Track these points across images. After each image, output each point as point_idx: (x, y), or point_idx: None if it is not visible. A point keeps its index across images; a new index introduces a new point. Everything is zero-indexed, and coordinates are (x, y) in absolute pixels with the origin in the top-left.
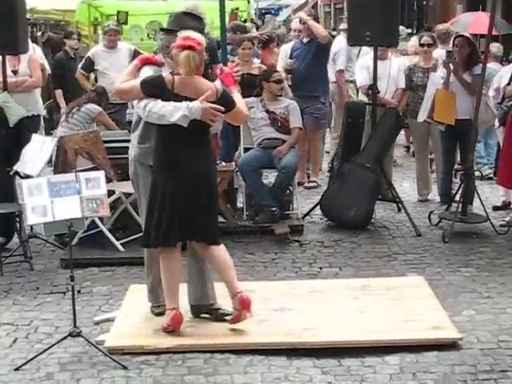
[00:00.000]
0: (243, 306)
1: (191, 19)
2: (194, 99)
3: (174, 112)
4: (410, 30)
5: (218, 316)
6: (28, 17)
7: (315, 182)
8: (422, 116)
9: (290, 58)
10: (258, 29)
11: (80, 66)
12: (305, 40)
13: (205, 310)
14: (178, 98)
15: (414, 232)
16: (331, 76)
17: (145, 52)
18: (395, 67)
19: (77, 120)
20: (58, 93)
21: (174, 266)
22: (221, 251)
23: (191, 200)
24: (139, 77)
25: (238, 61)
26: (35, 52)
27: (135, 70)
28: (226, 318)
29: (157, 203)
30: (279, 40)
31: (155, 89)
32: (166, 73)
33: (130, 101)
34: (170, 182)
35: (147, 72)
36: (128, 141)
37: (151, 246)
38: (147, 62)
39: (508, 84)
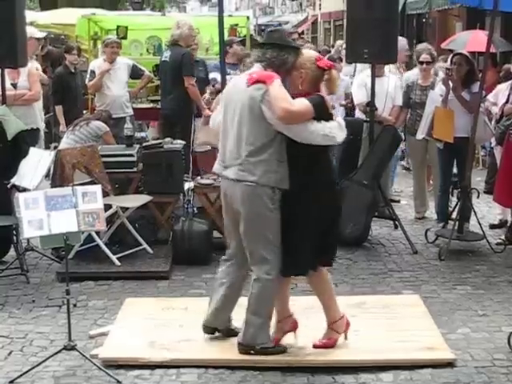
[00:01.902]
0: (347, 327)
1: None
2: None
3: (340, 132)
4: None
5: (230, 333)
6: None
7: None
8: (420, 133)
9: None
10: None
11: (87, 80)
12: None
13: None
14: (330, 117)
15: (411, 249)
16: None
17: (143, 67)
18: (392, 84)
19: (83, 134)
20: (58, 109)
21: (327, 279)
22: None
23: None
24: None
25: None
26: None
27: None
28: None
29: (317, 227)
30: None
31: (323, 111)
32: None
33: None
34: (332, 203)
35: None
36: (126, 155)
37: (312, 269)
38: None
39: (506, 102)
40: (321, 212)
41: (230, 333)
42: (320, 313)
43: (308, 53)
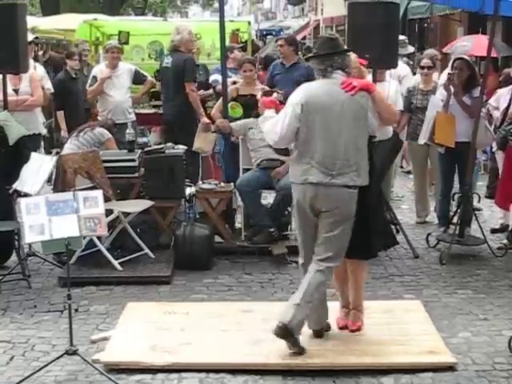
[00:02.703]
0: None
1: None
2: None
3: None
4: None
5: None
6: (34, 37)
7: None
8: (422, 138)
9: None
10: (258, 50)
11: (88, 85)
12: (286, 64)
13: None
14: None
15: (412, 254)
16: None
17: (146, 72)
18: (393, 89)
19: (86, 140)
20: (60, 114)
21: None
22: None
23: None
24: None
25: (237, 85)
26: (36, 70)
27: None
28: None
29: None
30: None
31: None
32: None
33: None
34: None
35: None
36: (127, 160)
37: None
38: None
39: (508, 106)
40: (380, 199)
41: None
42: None
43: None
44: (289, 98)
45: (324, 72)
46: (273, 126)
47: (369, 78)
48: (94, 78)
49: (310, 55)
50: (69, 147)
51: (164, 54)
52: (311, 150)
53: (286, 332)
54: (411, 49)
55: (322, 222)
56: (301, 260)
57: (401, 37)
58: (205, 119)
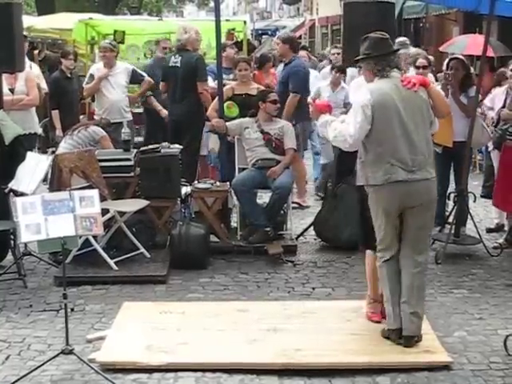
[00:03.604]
0: None
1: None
2: None
3: None
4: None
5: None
6: (25, 34)
7: (298, 203)
8: None
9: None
10: (254, 49)
11: (85, 83)
12: (285, 61)
13: None
14: None
15: None
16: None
17: (142, 71)
18: None
19: (80, 139)
20: (55, 113)
21: None
22: None
23: None
24: None
25: (232, 83)
26: (32, 70)
27: None
28: None
29: None
30: (275, 60)
31: None
32: None
33: None
34: None
35: None
36: (123, 160)
37: None
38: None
39: (503, 107)
40: None
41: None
42: (315, 316)
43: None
44: (354, 101)
45: (383, 72)
46: (344, 129)
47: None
48: (92, 76)
49: (363, 56)
50: (64, 146)
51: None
52: (390, 149)
53: (418, 340)
54: (413, 50)
55: (411, 218)
56: (387, 255)
57: (402, 38)
58: (217, 119)
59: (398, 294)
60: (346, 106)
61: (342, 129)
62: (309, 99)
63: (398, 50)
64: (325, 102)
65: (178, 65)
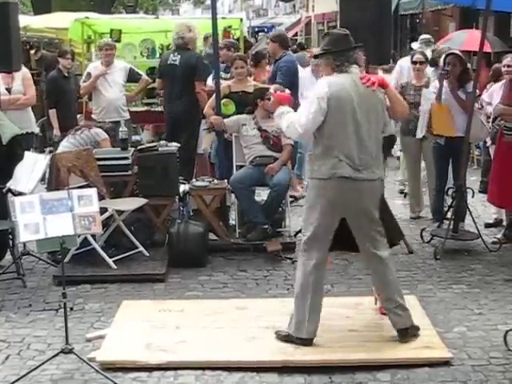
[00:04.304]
0: None
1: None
2: None
3: None
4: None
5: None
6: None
7: (293, 196)
8: (420, 132)
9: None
10: (251, 46)
11: (82, 81)
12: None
13: None
14: None
15: (406, 249)
16: None
17: (139, 70)
18: None
19: (82, 139)
20: (52, 112)
21: None
22: None
23: None
24: None
25: (230, 82)
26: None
27: None
28: None
29: None
30: (270, 57)
31: None
32: None
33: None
34: None
35: None
36: (121, 158)
37: None
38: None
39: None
40: None
41: None
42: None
43: None
44: (311, 91)
45: (341, 67)
46: (296, 119)
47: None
48: (89, 74)
49: (322, 52)
50: (65, 145)
51: (156, 51)
52: (339, 144)
53: (413, 332)
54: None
55: (355, 218)
56: (314, 260)
57: (426, 36)
58: (215, 116)
59: (319, 307)
60: None
61: (294, 119)
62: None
63: (358, 46)
64: (285, 93)
65: (177, 63)
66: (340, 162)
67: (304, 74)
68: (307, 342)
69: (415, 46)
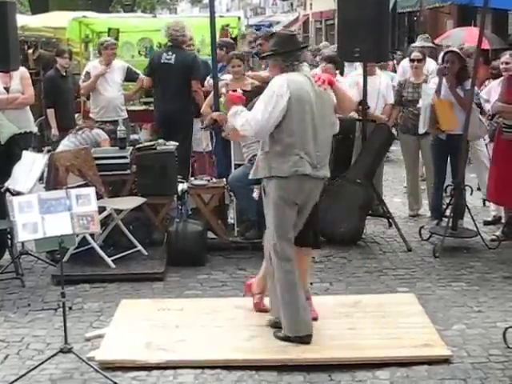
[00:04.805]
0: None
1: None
2: None
3: None
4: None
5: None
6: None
7: None
8: (422, 128)
9: None
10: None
11: (81, 81)
12: None
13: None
14: None
15: (405, 247)
16: None
17: (136, 69)
18: (384, 83)
19: (83, 139)
20: (50, 112)
21: None
22: None
23: None
24: None
25: (228, 80)
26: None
27: None
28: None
29: None
30: None
31: None
32: None
33: None
34: None
35: None
36: (119, 157)
37: None
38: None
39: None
40: None
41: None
42: (316, 308)
43: None
44: (268, 88)
45: (292, 67)
46: (251, 117)
47: (357, 71)
48: (88, 73)
49: (270, 53)
50: (66, 144)
51: (154, 50)
52: (300, 142)
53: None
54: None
55: (302, 212)
56: (290, 258)
57: (423, 35)
58: (218, 113)
59: (305, 301)
60: None
61: (249, 117)
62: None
63: (306, 46)
64: (238, 93)
65: (172, 62)
66: (301, 160)
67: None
68: (307, 339)
69: (416, 44)
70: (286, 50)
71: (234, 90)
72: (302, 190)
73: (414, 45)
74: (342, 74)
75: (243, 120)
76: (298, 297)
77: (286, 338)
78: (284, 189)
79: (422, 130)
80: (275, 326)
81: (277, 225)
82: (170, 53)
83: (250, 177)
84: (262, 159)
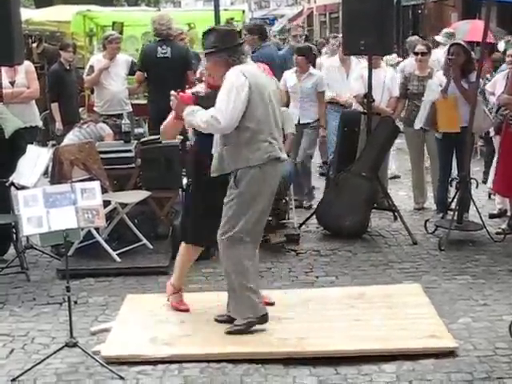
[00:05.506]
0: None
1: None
2: None
3: None
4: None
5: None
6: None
7: None
8: (418, 123)
9: None
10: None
11: (85, 74)
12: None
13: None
14: None
15: (410, 240)
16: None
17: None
18: (389, 76)
19: (87, 133)
20: (54, 106)
21: None
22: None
23: None
24: None
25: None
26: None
27: None
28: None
29: None
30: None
31: None
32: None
33: None
34: None
35: None
36: (124, 151)
37: None
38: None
39: (503, 92)
40: None
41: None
42: (318, 304)
43: None
44: (225, 82)
45: (241, 59)
46: (215, 112)
47: (362, 65)
48: (91, 67)
49: (213, 50)
50: (70, 138)
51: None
52: (267, 128)
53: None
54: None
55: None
56: (255, 245)
57: (449, 30)
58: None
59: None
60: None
61: (212, 113)
62: None
63: (244, 42)
64: (188, 93)
65: (168, 55)
66: (271, 145)
67: (329, 62)
68: (267, 317)
69: (439, 39)
70: (230, 45)
71: (183, 92)
72: (276, 175)
73: (437, 39)
74: (314, 66)
75: (206, 117)
76: (256, 281)
77: (246, 325)
78: (264, 176)
79: (417, 126)
80: (227, 321)
81: (251, 214)
82: (164, 46)
83: (214, 174)
84: (231, 152)
